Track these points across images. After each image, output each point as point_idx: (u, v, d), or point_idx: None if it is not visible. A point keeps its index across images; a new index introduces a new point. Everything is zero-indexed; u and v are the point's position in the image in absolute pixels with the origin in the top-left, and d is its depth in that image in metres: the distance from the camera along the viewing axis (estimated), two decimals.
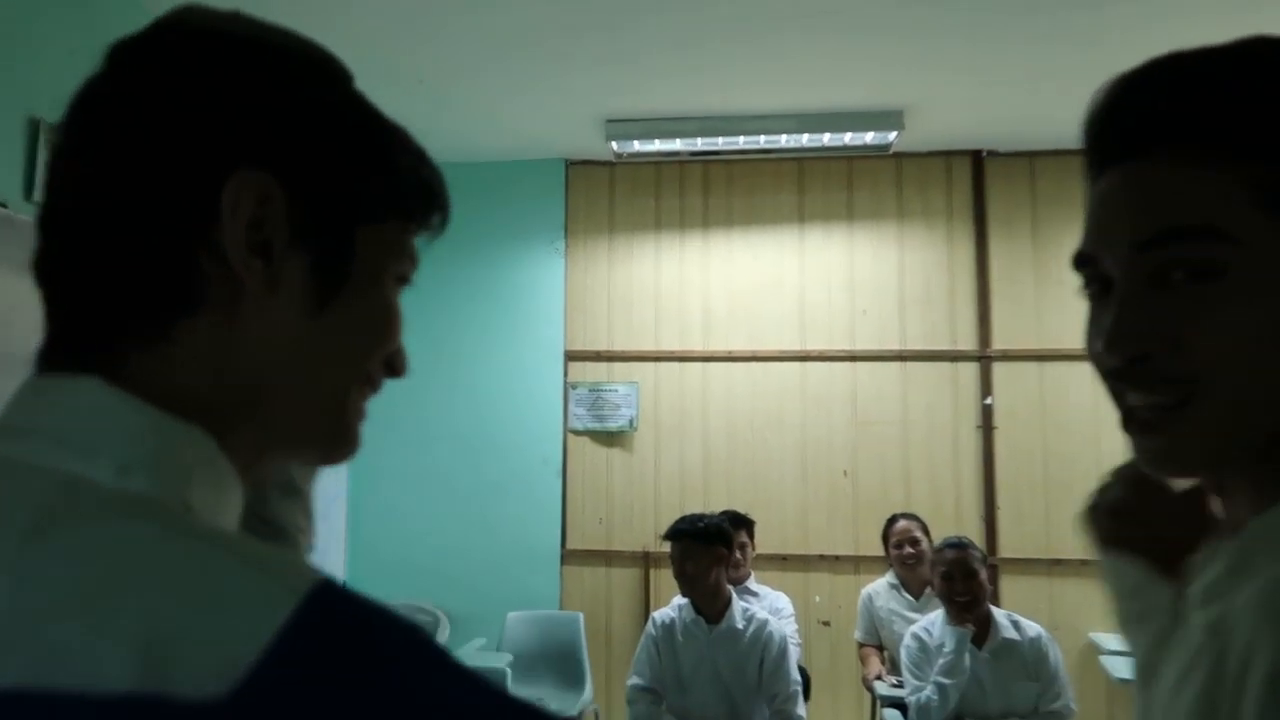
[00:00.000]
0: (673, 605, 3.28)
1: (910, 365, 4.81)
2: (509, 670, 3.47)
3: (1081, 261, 0.66)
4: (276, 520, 0.96)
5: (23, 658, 0.38)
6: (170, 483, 0.46)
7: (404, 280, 0.61)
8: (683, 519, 3.28)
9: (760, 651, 3.08)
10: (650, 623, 3.25)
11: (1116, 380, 0.64)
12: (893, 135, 4.44)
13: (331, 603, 0.41)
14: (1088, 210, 0.67)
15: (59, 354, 0.49)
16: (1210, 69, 0.60)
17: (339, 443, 0.57)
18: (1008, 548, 4.63)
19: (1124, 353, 0.61)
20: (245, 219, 0.49)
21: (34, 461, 0.44)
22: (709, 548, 3.15)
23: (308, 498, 1.02)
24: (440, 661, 0.41)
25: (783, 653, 3.10)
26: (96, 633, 0.38)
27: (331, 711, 0.38)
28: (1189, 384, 0.59)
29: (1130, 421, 0.64)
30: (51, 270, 0.50)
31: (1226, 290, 0.57)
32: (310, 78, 0.54)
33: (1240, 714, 0.52)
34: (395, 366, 0.61)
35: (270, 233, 0.50)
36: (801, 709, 3.11)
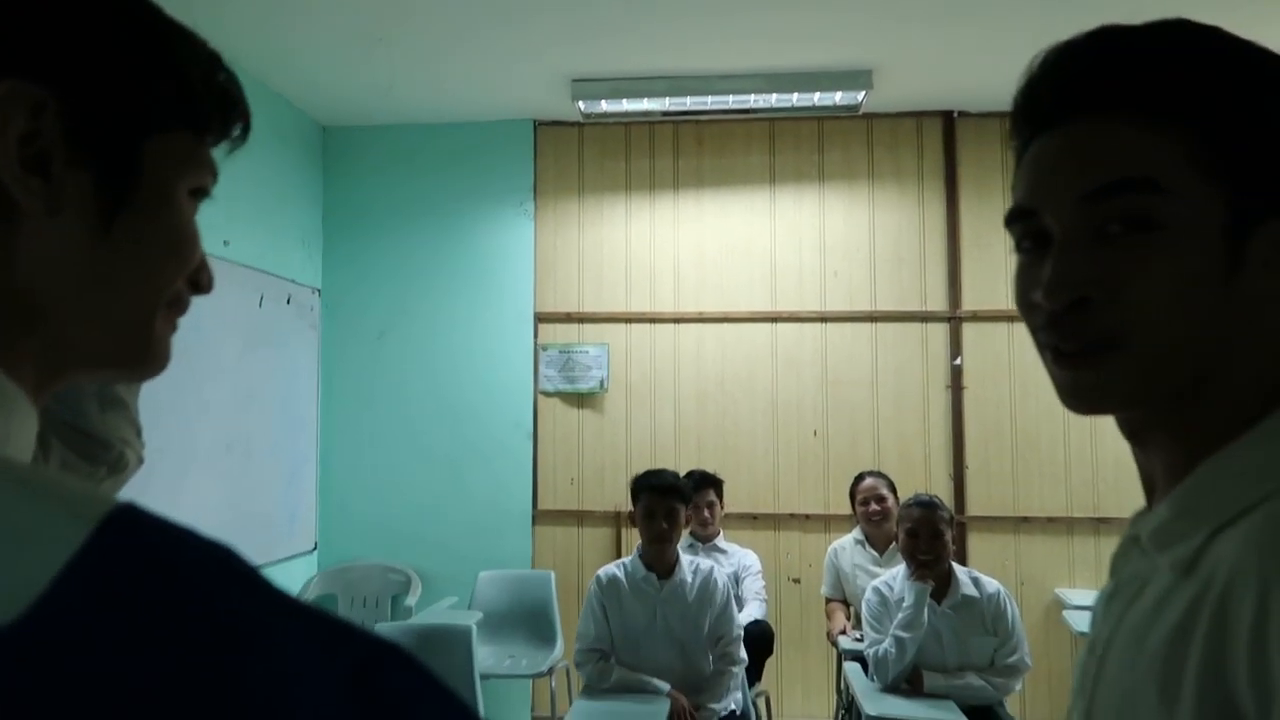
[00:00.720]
0: (616, 564, 3.31)
1: (881, 326, 4.82)
2: (475, 627, 3.49)
3: (1015, 217, 0.70)
4: (99, 434, 0.93)
5: None
6: None
7: (202, 193, 0.58)
8: (656, 472, 3.29)
9: (709, 601, 3.13)
10: (594, 582, 3.26)
11: (1050, 329, 0.67)
12: (861, 95, 4.41)
13: (129, 527, 0.39)
14: (1023, 169, 0.71)
15: None
16: (1147, 39, 0.65)
17: (144, 361, 0.56)
18: (975, 505, 4.68)
19: (1066, 297, 0.64)
20: (17, 133, 0.47)
21: None
22: (683, 504, 3.19)
23: (132, 409, 1.00)
24: (247, 579, 0.39)
25: (727, 598, 3.16)
26: None
27: (126, 634, 0.35)
28: (1123, 327, 0.62)
29: (1061, 358, 0.67)
30: None
31: (1162, 242, 0.61)
32: None
33: (1235, 643, 0.52)
34: (200, 284, 0.59)
35: (46, 147, 0.48)
36: (742, 651, 3.18)
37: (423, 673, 0.40)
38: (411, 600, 4.53)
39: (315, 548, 4.82)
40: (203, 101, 0.56)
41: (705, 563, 3.25)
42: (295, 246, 4.71)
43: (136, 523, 0.39)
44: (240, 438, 4.08)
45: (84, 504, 0.39)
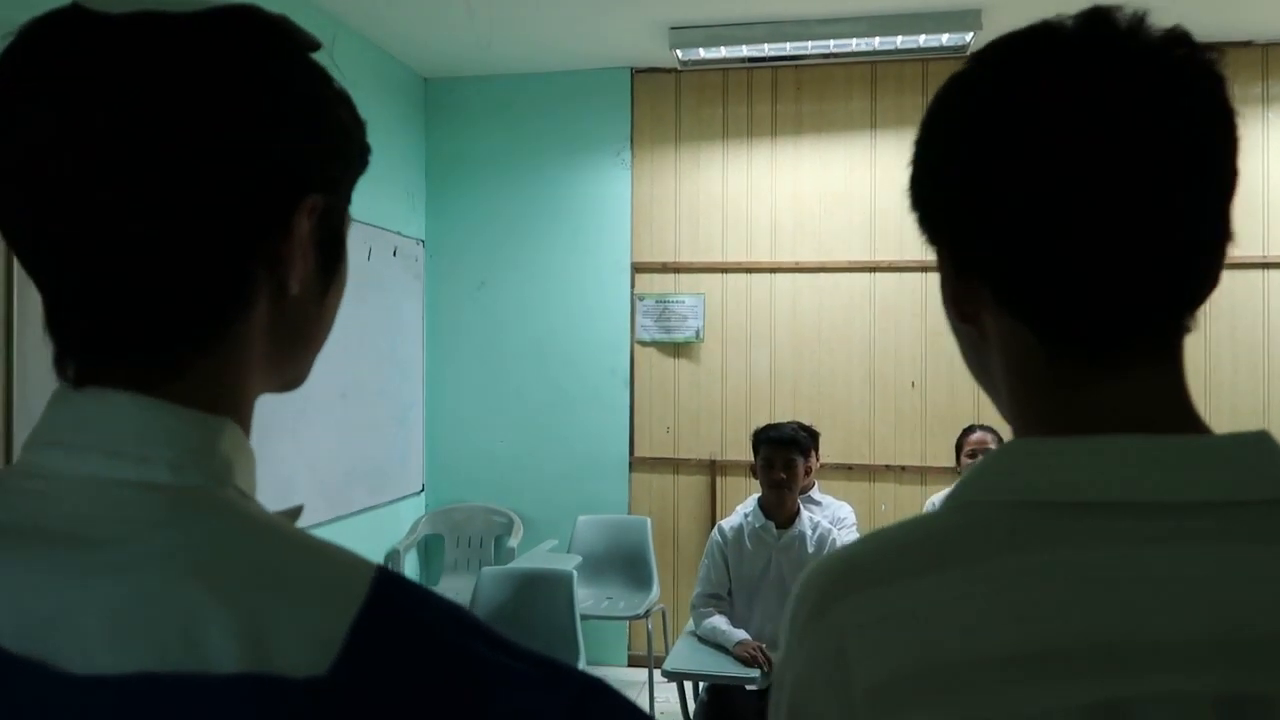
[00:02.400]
0: (737, 513, 3.36)
1: None
2: (576, 572, 3.62)
3: None
4: None
5: (144, 646, 0.45)
6: (218, 475, 0.52)
7: None
8: (775, 425, 3.35)
9: None
10: (716, 531, 3.33)
11: None
12: (970, 35, 4.25)
13: (389, 588, 0.49)
14: None
15: (94, 365, 0.52)
16: None
17: (301, 384, 0.65)
18: None
19: None
20: (305, 234, 0.56)
21: (99, 473, 0.49)
22: (802, 455, 3.24)
23: None
24: (479, 629, 0.50)
25: None
26: (206, 622, 0.45)
27: (410, 682, 0.46)
28: None
29: None
30: (89, 282, 0.51)
31: None
32: (328, 83, 0.59)
33: None
34: None
35: (314, 243, 0.57)
36: None
37: (627, 704, 0.51)
38: (514, 542, 4.70)
39: (423, 489, 5.04)
40: (364, 167, 0.63)
41: (825, 523, 3.29)
42: (400, 199, 4.84)
43: (391, 583, 0.49)
44: (353, 385, 4.27)
45: (355, 566, 0.49)
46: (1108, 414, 0.56)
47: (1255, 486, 0.53)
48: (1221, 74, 0.56)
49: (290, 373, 0.63)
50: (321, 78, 0.58)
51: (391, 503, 4.69)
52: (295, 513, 0.57)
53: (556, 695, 0.49)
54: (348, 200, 0.63)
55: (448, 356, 5.10)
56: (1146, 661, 0.49)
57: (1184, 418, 0.57)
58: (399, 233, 4.76)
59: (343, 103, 0.60)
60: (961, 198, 0.59)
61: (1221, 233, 0.57)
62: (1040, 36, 0.57)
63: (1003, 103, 0.57)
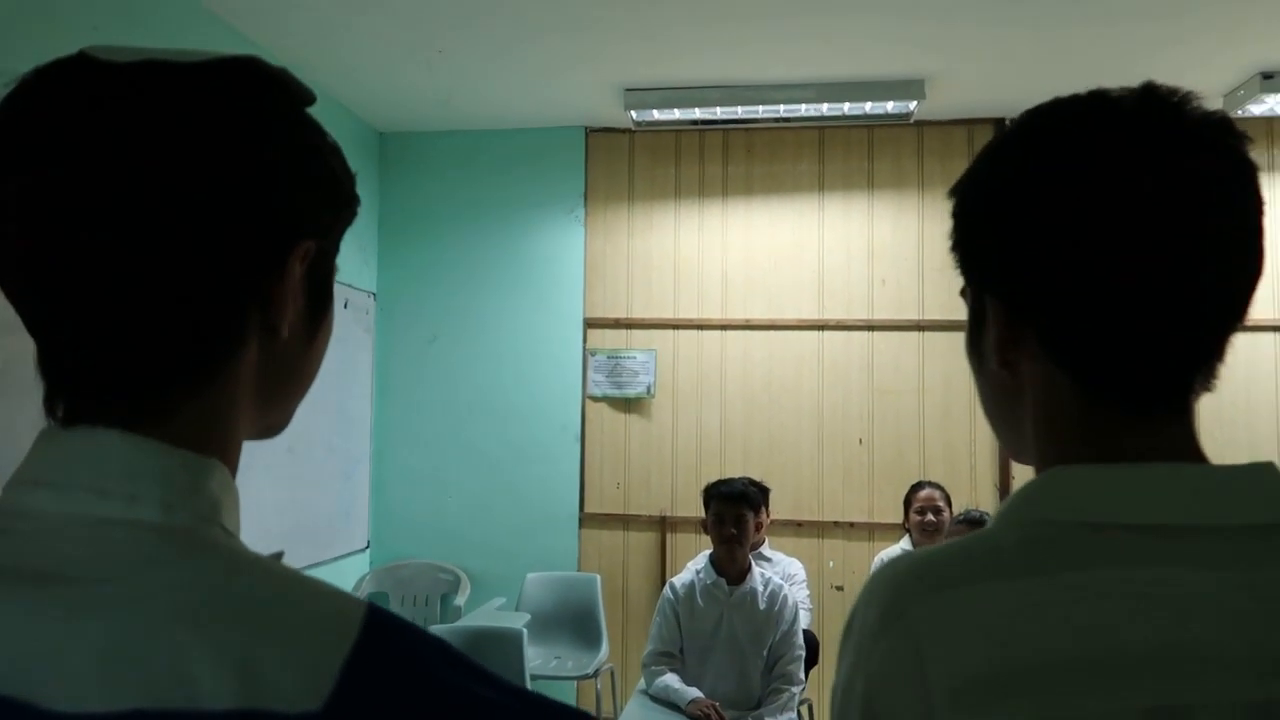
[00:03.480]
0: (689, 570, 3.36)
1: (928, 335, 4.82)
2: (525, 630, 3.57)
3: None
4: None
5: (135, 684, 0.45)
6: (206, 514, 0.52)
7: None
8: (726, 481, 3.35)
9: (777, 618, 3.15)
10: (668, 589, 3.32)
11: None
12: (914, 104, 4.41)
13: (382, 622, 0.50)
14: None
15: (84, 404, 0.53)
16: None
17: (283, 429, 0.66)
18: None
19: None
20: (298, 278, 0.57)
21: (88, 512, 0.49)
22: (753, 510, 3.24)
23: None
24: (468, 665, 0.51)
25: (795, 619, 3.18)
26: (197, 659, 0.45)
27: (402, 713, 0.47)
28: None
29: None
30: (83, 321, 0.51)
31: None
32: (323, 135, 0.61)
33: None
34: None
35: (304, 288, 0.59)
36: (802, 674, 3.20)
37: None
38: (460, 600, 4.62)
39: (368, 546, 4.94)
40: (354, 215, 0.65)
41: (777, 580, 3.29)
42: (353, 252, 4.82)
43: (383, 620, 0.50)
44: (300, 439, 4.19)
45: (346, 603, 0.50)
46: (1136, 457, 0.61)
47: (1267, 511, 0.59)
48: (1256, 164, 0.62)
49: (275, 416, 0.63)
50: (316, 129, 0.61)
51: (336, 559, 4.58)
52: (277, 557, 0.57)
53: None
54: (336, 248, 0.64)
55: (397, 410, 5.05)
56: (1193, 670, 0.54)
57: (1198, 453, 0.63)
58: (350, 285, 4.73)
59: (335, 154, 0.62)
60: (1026, 252, 0.63)
61: (1245, 311, 0.63)
62: (1102, 107, 0.63)
63: (1070, 167, 0.62)
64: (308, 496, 4.29)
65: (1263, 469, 0.60)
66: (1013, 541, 0.60)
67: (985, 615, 0.57)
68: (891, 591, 0.60)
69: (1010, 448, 0.72)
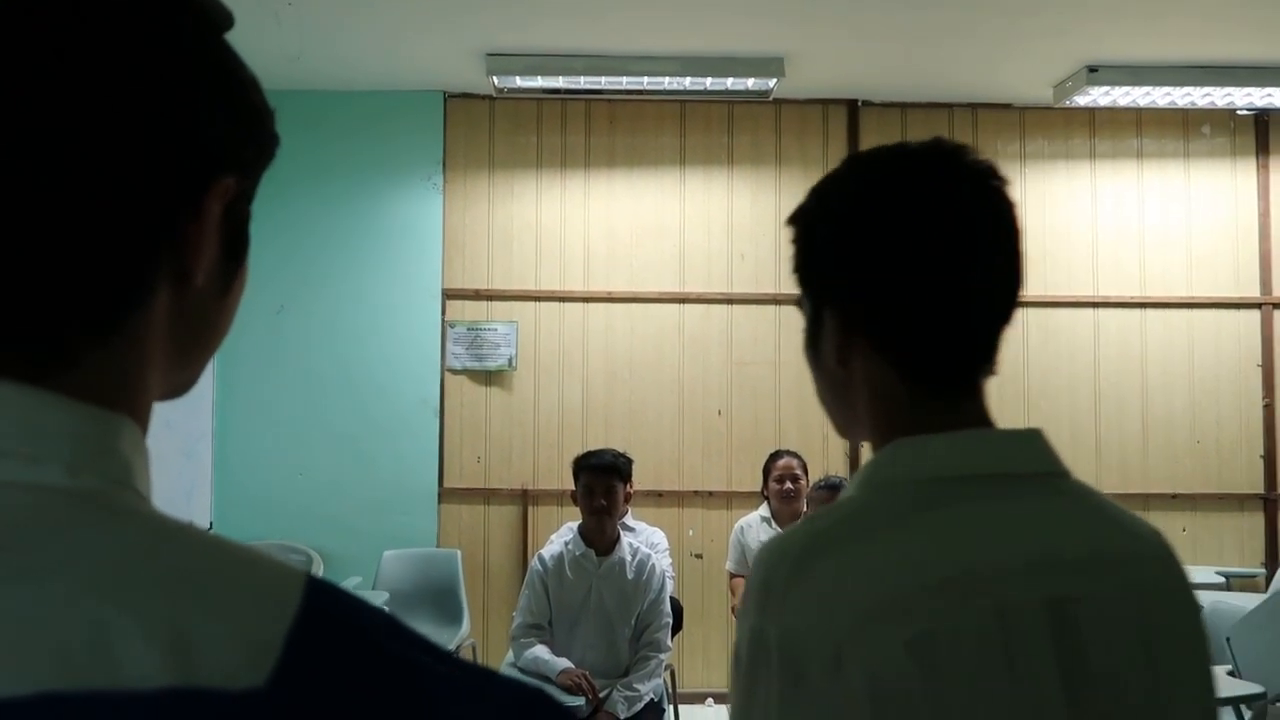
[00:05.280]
0: (556, 541, 3.34)
1: (785, 309, 4.96)
2: (385, 608, 3.47)
3: None
4: None
5: (46, 664, 0.39)
6: (118, 477, 0.47)
7: None
8: (595, 452, 3.33)
9: (645, 587, 3.18)
10: (537, 561, 3.28)
11: None
12: (773, 82, 4.50)
13: (324, 591, 0.45)
14: None
15: None
16: None
17: (189, 389, 0.60)
18: None
19: None
20: (215, 219, 0.51)
21: None
22: (623, 481, 3.24)
23: None
24: (414, 638, 0.47)
25: (663, 588, 3.22)
26: (120, 634, 0.40)
27: (349, 692, 0.43)
28: None
29: None
30: None
31: None
32: (242, 65, 0.56)
33: None
34: None
35: (221, 228, 0.52)
36: (669, 640, 3.25)
37: (567, 714, 0.50)
38: None
39: (210, 527, 4.67)
40: (273, 156, 0.60)
41: (644, 549, 3.30)
42: None
43: (325, 589, 0.46)
44: None
45: (283, 571, 0.45)
46: (945, 423, 0.80)
47: (1041, 459, 0.81)
48: (1015, 201, 0.84)
49: (186, 373, 0.57)
50: (236, 56, 0.55)
51: None
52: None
53: (498, 705, 0.48)
54: (254, 192, 0.59)
55: (241, 384, 4.79)
56: (1016, 577, 0.74)
57: (990, 422, 0.83)
58: None
59: (255, 87, 0.57)
60: (859, 278, 0.82)
61: (1012, 315, 0.84)
62: (906, 158, 0.85)
63: (885, 209, 0.82)
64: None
65: (1035, 433, 0.82)
66: (875, 502, 0.79)
67: (868, 563, 0.74)
68: (793, 557, 0.75)
69: (841, 427, 0.92)
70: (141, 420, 0.52)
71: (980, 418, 0.82)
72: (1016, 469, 0.81)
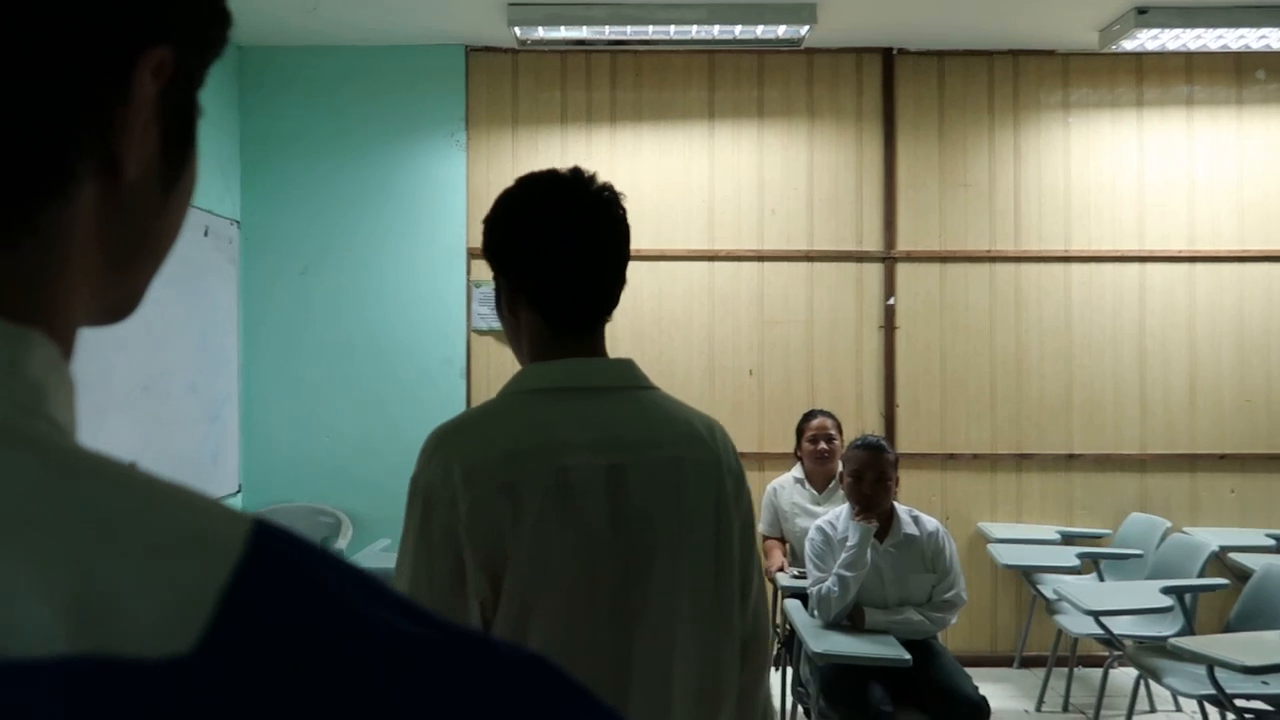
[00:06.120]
0: None
1: (817, 265, 4.83)
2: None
3: None
4: None
5: None
6: (25, 402, 0.38)
7: None
8: None
9: None
10: None
11: None
12: (804, 29, 4.34)
13: (273, 538, 0.37)
14: None
15: None
16: None
17: (131, 312, 0.51)
18: (905, 443, 4.77)
19: None
20: (149, 99, 0.43)
21: None
22: None
23: None
24: (387, 596, 0.39)
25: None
26: (16, 589, 0.32)
27: (300, 651, 0.35)
28: None
29: None
30: None
31: None
32: None
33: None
34: None
35: (160, 115, 0.44)
36: None
37: (577, 686, 0.41)
38: (342, 543, 4.43)
39: (239, 490, 4.66)
40: (225, 38, 0.50)
41: None
42: (213, 175, 4.45)
43: (274, 536, 0.37)
44: (158, 377, 3.88)
45: (225, 517, 0.37)
46: (570, 354, 1.19)
47: (624, 377, 1.20)
48: (622, 200, 1.23)
49: (121, 289, 0.48)
50: None
51: None
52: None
53: (490, 673, 0.38)
54: (201, 78, 0.49)
55: (267, 347, 4.75)
56: (580, 450, 1.10)
57: (600, 353, 1.22)
58: (210, 211, 4.38)
59: None
60: (515, 257, 1.22)
61: (622, 285, 1.23)
62: (552, 181, 1.21)
63: (536, 211, 1.20)
64: (170, 439, 3.99)
65: (627, 361, 1.21)
66: (499, 403, 1.18)
67: (481, 439, 1.12)
68: (439, 436, 1.14)
69: (517, 355, 1.26)
70: (62, 338, 0.43)
71: (595, 349, 1.21)
72: (605, 383, 1.19)
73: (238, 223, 4.67)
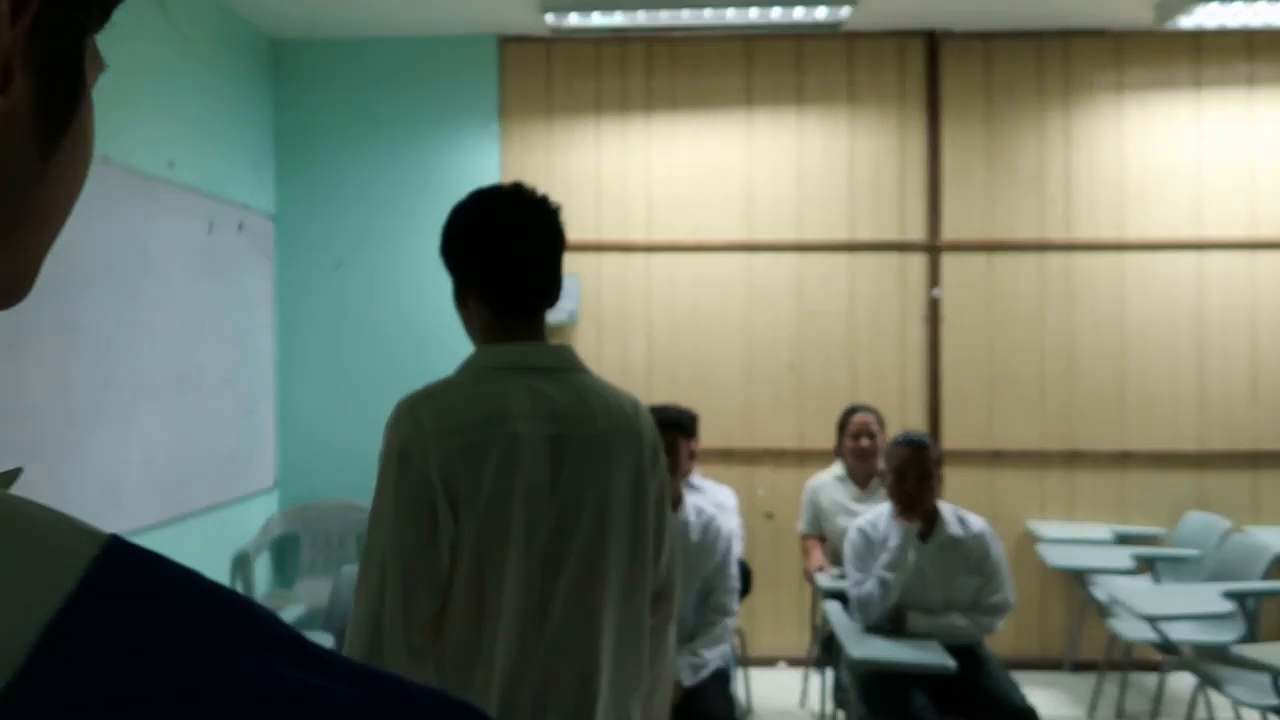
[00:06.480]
0: None
1: (858, 256, 4.69)
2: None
3: None
4: None
5: None
6: None
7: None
8: (656, 408, 3.13)
9: (709, 547, 3.02)
10: None
11: None
12: (845, 11, 4.20)
13: (122, 564, 0.31)
14: None
15: None
16: None
17: (26, 295, 0.43)
18: (951, 439, 4.63)
19: None
20: (18, 37, 0.36)
21: None
22: (685, 437, 3.07)
23: None
24: (271, 635, 0.32)
25: (729, 549, 3.05)
26: None
27: (138, 699, 0.28)
28: None
29: None
30: None
31: None
32: None
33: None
34: None
35: (29, 58, 0.37)
36: (736, 604, 3.08)
37: None
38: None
39: (275, 485, 4.66)
40: None
41: (709, 509, 3.12)
42: (245, 168, 4.44)
43: (124, 561, 0.32)
44: (192, 370, 3.87)
45: (67, 539, 0.31)
46: (517, 339, 1.42)
47: (563, 361, 1.42)
48: (558, 210, 1.47)
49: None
50: None
51: (240, 500, 4.30)
52: (9, 477, 0.36)
53: None
54: (94, 23, 0.41)
55: (303, 341, 4.73)
56: (528, 420, 1.33)
57: (561, 345, 1.44)
58: (245, 205, 4.36)
59: None
60: (472, 260, 1.44)
61: (559, 285, 1.46)
62: (499, 193, 1.46)
63: (481, 220, 1.44)
64: (205, 432, 3.99)
65: (564, 346, 1.44)
66: (457, 377, 1.41)
67: (448, 404, 1.35)
68: (409, 404, 1.37)
69: (471, 338, 1.49)
70: None
71: (536, 334, 1.44)
72: (548, 365, 1.40)
73: (273, 216, 4.65)
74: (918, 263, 4.68)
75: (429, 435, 1.30)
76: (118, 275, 3.34)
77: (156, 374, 3.62)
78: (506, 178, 4.68)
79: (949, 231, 4.67)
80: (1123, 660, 4.10)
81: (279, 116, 4.73)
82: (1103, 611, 4.05)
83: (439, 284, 4.69)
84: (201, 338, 3.96)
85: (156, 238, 3.58)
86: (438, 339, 4.70)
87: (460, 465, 1.30)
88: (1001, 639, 4.55)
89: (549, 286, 1.44)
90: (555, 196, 4.74)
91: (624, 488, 1.38)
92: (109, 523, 3.34)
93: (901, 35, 4.67)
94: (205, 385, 3.98)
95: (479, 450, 1.30)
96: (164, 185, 3.63)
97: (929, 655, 2.85)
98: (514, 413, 1.32)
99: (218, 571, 4.12)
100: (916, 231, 4.68)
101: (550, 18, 4.22)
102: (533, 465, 1.32)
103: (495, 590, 1.30)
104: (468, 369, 1.40)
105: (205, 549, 4.02)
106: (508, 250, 1.40)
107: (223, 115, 4.23)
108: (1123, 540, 4.35)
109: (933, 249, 4.67)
